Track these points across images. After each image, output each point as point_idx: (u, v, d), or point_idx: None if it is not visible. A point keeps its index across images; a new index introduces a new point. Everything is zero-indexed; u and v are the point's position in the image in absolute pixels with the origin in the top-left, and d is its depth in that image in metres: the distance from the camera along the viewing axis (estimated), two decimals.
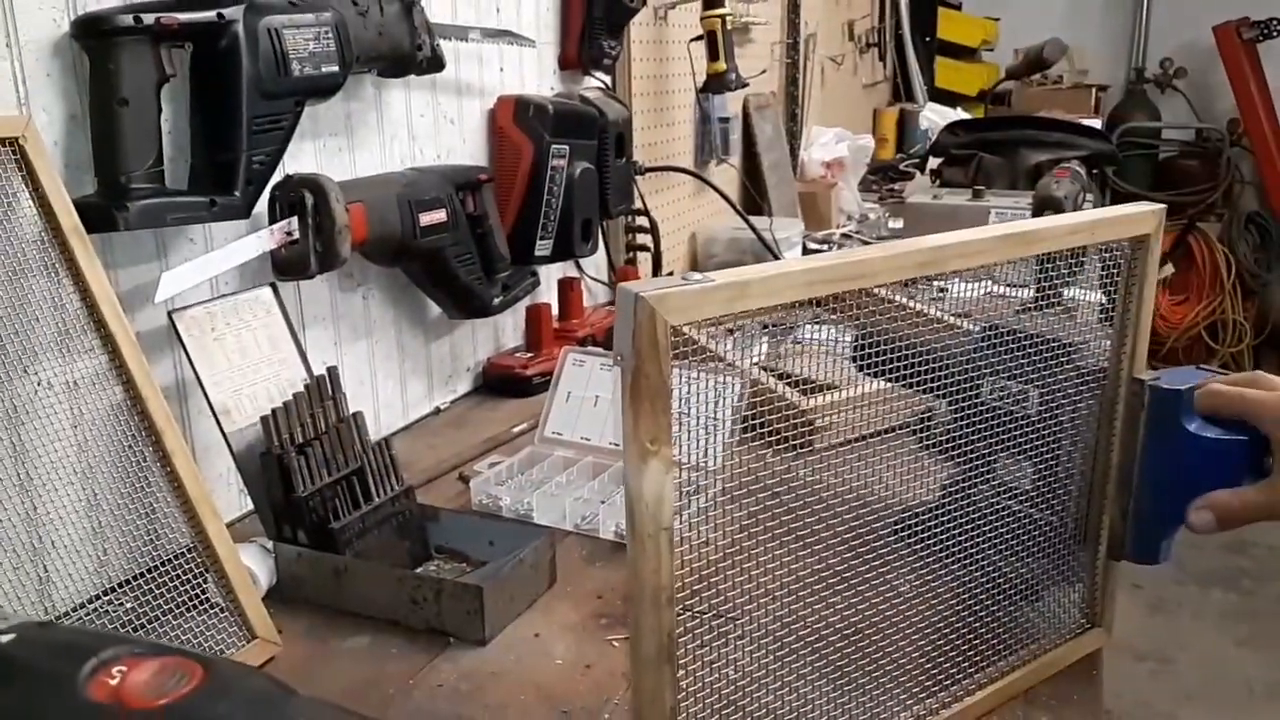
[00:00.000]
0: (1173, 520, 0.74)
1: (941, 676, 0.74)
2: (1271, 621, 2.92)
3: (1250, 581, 3.13)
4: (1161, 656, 2.72)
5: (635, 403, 0.49)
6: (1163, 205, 0.77)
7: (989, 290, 0.79)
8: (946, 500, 0.73)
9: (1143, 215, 0.74)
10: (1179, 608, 2.95)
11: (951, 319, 0.87)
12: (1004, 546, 0.76)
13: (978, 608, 0.76)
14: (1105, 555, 0.82)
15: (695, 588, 0.99)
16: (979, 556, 0.75)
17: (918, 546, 0.72)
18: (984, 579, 0.76)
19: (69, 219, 0.85)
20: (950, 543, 0.73)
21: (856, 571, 0.67)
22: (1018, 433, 0.75)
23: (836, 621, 0.68)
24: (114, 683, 0.36)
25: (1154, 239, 0.75)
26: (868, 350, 0.68)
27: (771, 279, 0.55)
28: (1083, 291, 0.84)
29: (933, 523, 0.72)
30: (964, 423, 0.73)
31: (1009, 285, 0.82)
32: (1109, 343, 0.78)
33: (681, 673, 0.57)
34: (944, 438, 0.74)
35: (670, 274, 1.96)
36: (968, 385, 0.73)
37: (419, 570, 0.99)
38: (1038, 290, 0.81)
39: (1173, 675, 2.67)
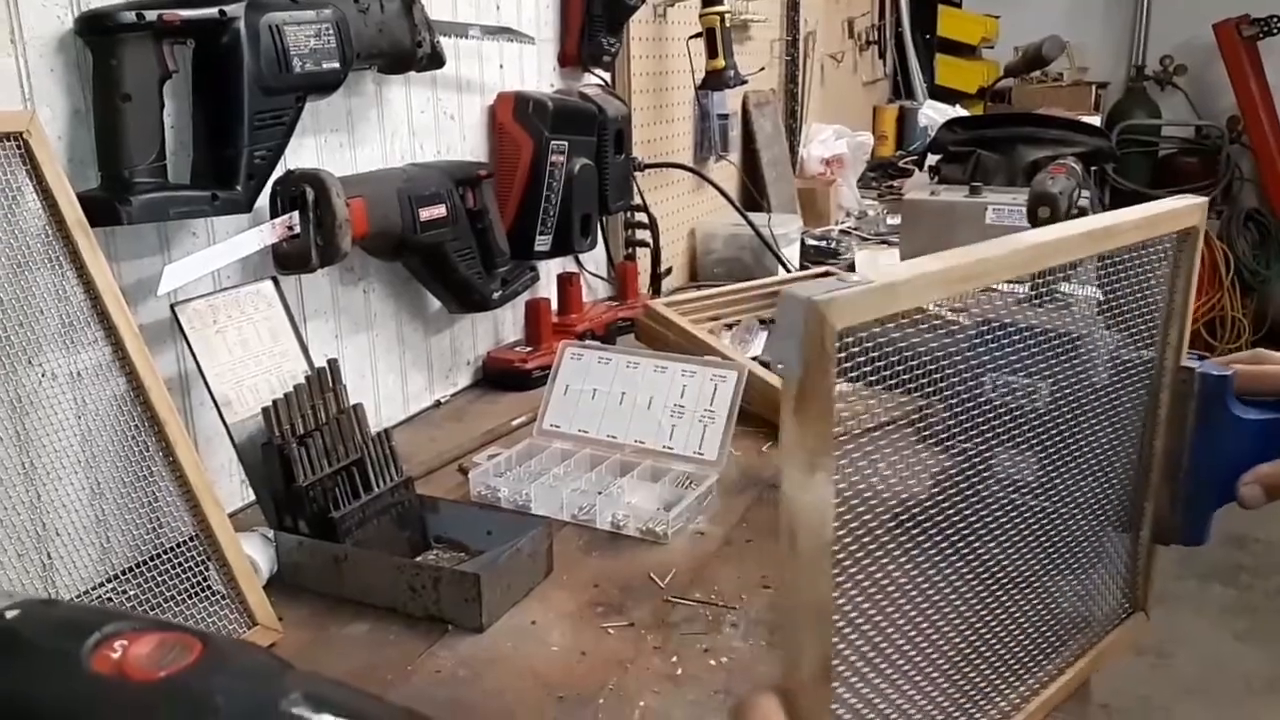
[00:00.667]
0: (1218, 500, 0.76)
1: (1010, 676, 0.75)
2: (1270, 616, 2.93)
3: (1249, 576, 3.13)
4: (1161, 651, 2.73)
5: (801, 413, 0.47)
6: (1205, 199, 0.78)
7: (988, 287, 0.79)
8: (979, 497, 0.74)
9: (1190, 209, 0.76)
10: (1179, 602, 2.96)
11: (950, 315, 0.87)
12: (1046, 540, 0.77)
13: (1029, 609, 0.76)
14: (1149, 540, 0.83)
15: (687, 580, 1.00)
16: (1021, 551, 0.75)
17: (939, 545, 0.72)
18: (1031, 576, 0.76)
19: (73, 212, 0.86)
20: (996, 538, 0.73)
21: (887, 573, 0.67)
22: (1068, 428, 0.76)
23: (856, 638, 0.68)
24: (116, 656, 0.37)
25: (1199, 231, 0.77)
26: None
27: (915, 279, 0.54)
28: (1079, 287, 0.85)
29: (975, 523, 0.72)
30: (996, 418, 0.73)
31: (1008, 282, 0.83)
32: (1118, 333, 0.79)
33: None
34: (941, 433, 0.75)
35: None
36: (973, 383, 0.74)
37: (418, 559, 1.00)
38: (1034, 286, 0.82)
39: (1172, 670, 2.68)
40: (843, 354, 0.51)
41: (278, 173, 1.08)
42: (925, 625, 0.68)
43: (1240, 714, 2.51)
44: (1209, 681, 2.64)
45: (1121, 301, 0.81)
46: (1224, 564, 3.17)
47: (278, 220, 1.07)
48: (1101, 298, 0.83)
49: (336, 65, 1.09)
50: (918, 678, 0.67)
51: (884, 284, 0.51)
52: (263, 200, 1.07)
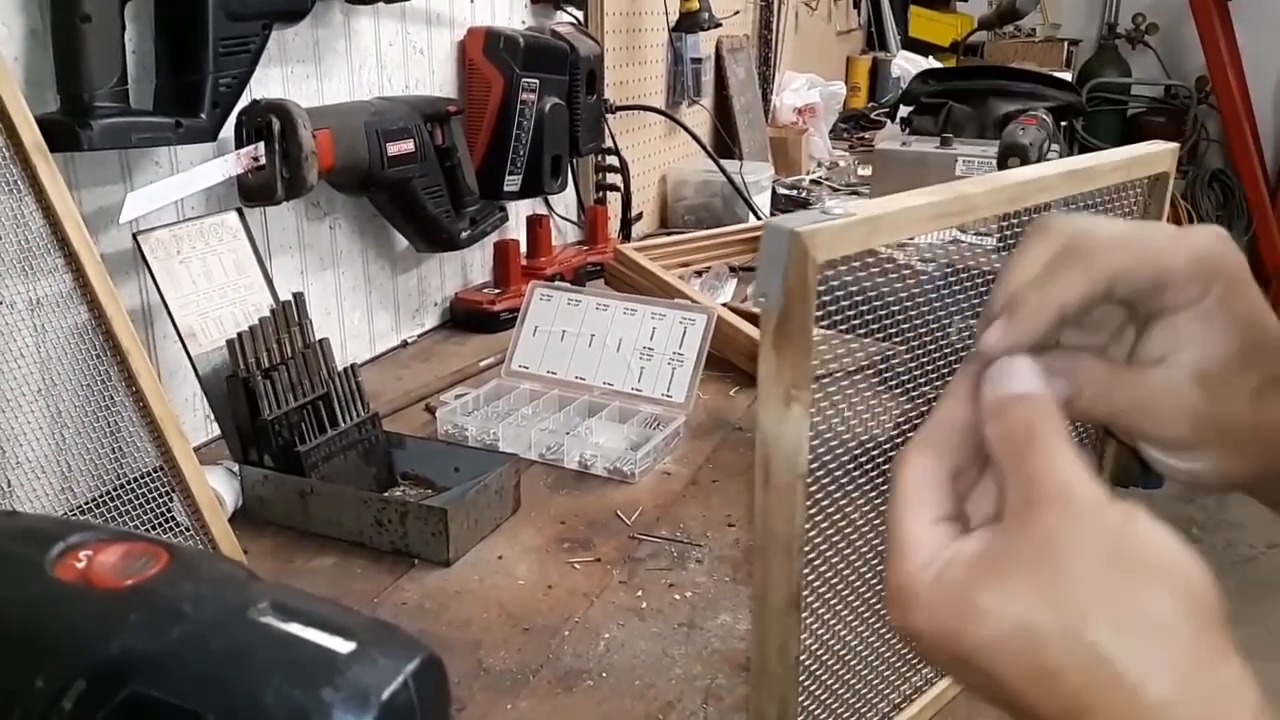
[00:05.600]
0: None
1: None
2: (1217, 568, 2.99)
3: (1199, 530, 3.21)
4: None
5: (780, 345, 0.47)
6: (1175, 145, 0.79)
7: (955, 238, 0.80)
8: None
9: (1162, 153, 0.76)
10: None
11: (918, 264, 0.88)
12: None
13: None
14: (1109, 483, 0.84)
15: (658, 518, 1.01)
16: None
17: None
18: None
19: (31, 134, 0.83)
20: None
21: (844, 512, 0.68)
22: None
23: (826, 570, 0.68)
24: (81, 565, 0.37)
25: (1169, 176, 0.77)
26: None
27: (899, 214, 0.54)
28: None
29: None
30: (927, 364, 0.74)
31: (975, 234, 0.83)
32: None
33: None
34: (905, 378, 0.75)
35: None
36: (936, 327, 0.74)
37: (385, 494, 1.00)
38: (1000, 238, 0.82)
39: None
40: (822, 287, 0.51)
41: (243, 102, 1.06)
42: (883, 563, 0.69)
43: None
44: None
45: None
46: (1174, 518, 3.20)
47: (243, 150, 1.05)
48: None
49: None
50: (878, 612, 0.68)
51: (867, 217, 0.51)
52: (227, 130, 1.05)
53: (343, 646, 0.35)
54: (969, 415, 0.40)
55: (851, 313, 0.67)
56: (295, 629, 0.36)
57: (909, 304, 0.73)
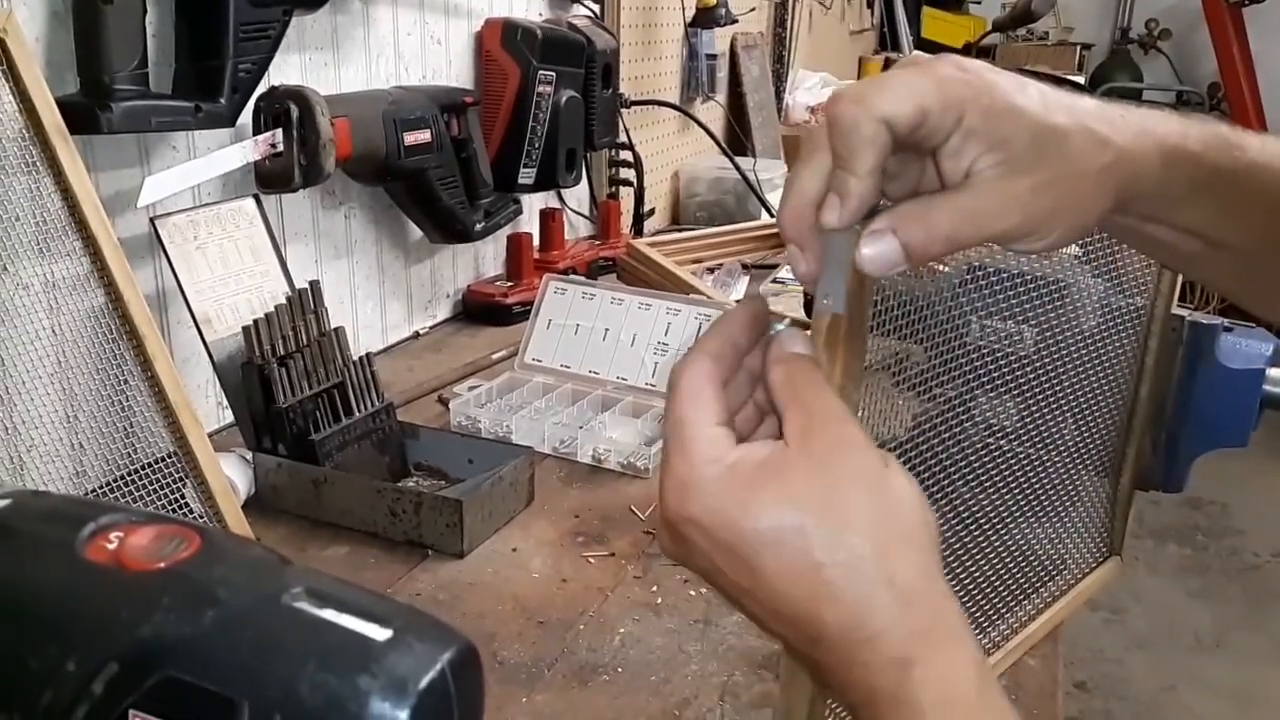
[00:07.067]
0: (1200, 448, 0.77)
1: (992, 614, 0.75)
2: (1221, 576, 3.00)
3: (1204, 537, 3.20)
4: (1115, 607, 2.79)
5: (834, 346, 0.46)
6: None
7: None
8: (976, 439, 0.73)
9: None
10: (1135, 561, 3.02)
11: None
12: (1025, 484, 0.77)
13: (1008, 550, 0.77)
14: (1129, 486, 0.84)
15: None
16: (1000, 494, 0.75)
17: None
18: (1010, 519, 0.76)
19: (51, 116, 0.83)
20: (964, 480, 0.73)
21: None
22: (1052, 373, 0.75)
23: None
24: (112, 547, 0.37)
25: None
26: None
27: None
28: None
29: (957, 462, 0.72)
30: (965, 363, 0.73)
31: None
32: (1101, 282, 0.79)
33: None
34: (922, 377, 0.74)
35: (646, 211, 1.95)
36: (951, 328, 0.73)
37: (399, 484, 1.00)
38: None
39: (1125, 625, 2.74)
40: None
41: (261, 88, 1.05)
42: None
43: (1188, 667, 2.57)
44: (1160, 636, 2.70)
45: (1112, 250, 0.81)
46: (1180, 524, 3.23)
47: (261, 137, 1.05)
48: (1080, 252, 0.84)
49: None
50: None
51: None
52: (245, 117, 1.04)
53: (379, 634, 0.34)
54: (745, 340, 0.46)
55: (872, 310, 0.67)
56: (330, 615, 0.35)
57: (927, 302, 0.72)
